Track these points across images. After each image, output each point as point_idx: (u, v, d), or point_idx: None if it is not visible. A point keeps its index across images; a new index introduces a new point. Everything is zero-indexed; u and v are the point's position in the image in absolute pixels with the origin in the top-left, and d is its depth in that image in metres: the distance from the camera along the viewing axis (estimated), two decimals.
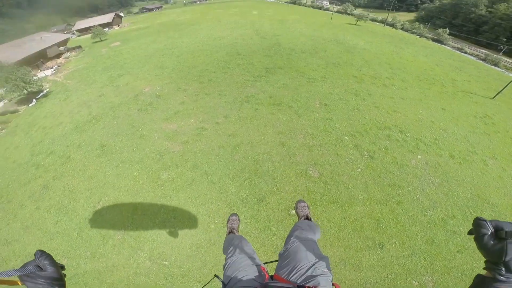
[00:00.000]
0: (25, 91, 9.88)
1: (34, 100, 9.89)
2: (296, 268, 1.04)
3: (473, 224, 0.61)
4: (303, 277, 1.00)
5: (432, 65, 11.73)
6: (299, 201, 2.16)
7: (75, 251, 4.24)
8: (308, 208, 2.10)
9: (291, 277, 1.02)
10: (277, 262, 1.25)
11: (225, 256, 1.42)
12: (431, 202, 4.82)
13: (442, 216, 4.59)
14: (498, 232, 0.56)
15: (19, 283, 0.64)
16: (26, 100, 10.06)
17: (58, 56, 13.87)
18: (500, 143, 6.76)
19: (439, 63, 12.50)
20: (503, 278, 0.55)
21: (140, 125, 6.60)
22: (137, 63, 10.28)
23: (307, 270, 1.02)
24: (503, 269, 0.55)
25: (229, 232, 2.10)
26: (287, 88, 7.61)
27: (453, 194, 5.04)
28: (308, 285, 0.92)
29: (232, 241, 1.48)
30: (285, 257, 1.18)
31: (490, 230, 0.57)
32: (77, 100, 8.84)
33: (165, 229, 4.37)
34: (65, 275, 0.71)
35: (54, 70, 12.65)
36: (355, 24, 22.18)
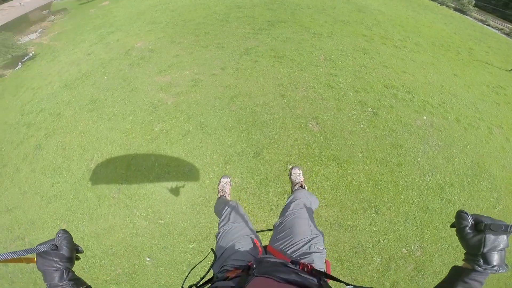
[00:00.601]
0: (9, 56, 9.60)
1: (20, 63, 9.59)
2: (291, 243, 1.03)
3: (455, 217, 0.63)
4: (298, 253, 1.00)
5: (450, 33, 10.88)
6: (293, 168, 2.10)
7: (73, 214, 4.23)
8: (302, 176, 2.03)
9: (286, 251, 1.01)
10: (271, 232, 1.24)
11: (218, 218, 1.40)
12: (431, 167, 4.67)
13: (440, 182, 4.49)
14: (478, 224, 0.58)
15: (33, 260, 0.66)
16: (11, 64, 9.74)
17: (42, 20, 13.19)
18: (509, 113, 6.49)
19: (458, 31, 11.58)
20: (481, 269, 0.57)
21: (132, 79, 6.33)
22: (128, 20, 9.66)
23: (302, 246, 1.01)
24: (481, 260, 0.57)
25: (220, 196, 2.04)
26: (290, 41, 7.12)
27: (453, 160, 4.89)
28: (302, 261, 0.91)
29: (226, 206, 1.42)
30: (280, 230, 1.16)
31: (470, 222, 0.60)
32: (65, 60, 8.47)
33: (160, 185, 4.28)
34: (78, 258, 0.73)
35: (39, 33, 12.09)
36: None
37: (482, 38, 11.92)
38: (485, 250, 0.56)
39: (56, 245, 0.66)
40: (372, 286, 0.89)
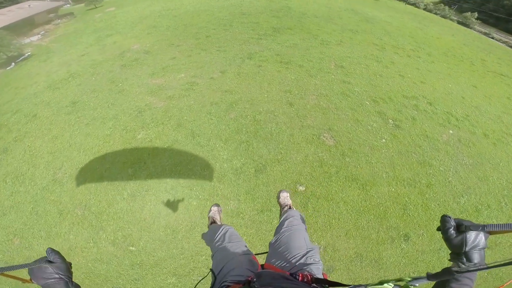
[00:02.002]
0: (3, 56, 8.97)
1: (13, 63, 8.94)
2: (288, 257, 1.00)
3: (440, 221, 0.66)
4: (295, 266, 0.96)
5: (460, 45, 10.29)
6: (281, 191, 2.05)
7: (29, 230, 3.44)
8: (290, 199, 1.99)
9: (283, 266, 0.98)
10: (267, 253, 1.19)
11: (209, 246, 1.36)
12: (465, 187, 3.90)
13: (476, 204, 3.75)
14: (459, 226, 0.62)
15: (29, 281, 0.63)
16: (5, 63, 9.08)
17: (48, 22, 12.75)
18: None
19: (467, 43, 11.03)
20: (464, 267, 0.60)
21: (121, 81, 5.50)
22: (130, 24, 9.07)
23: (299, 259, 0.98)
24: (464, 258, 0.60)
25: (211, 223, 1.93)
26: (297, 48, 6.37)
27: (487, 179, 4.09)
28: (300, 273, 0.85)
29: (219, 228, 1.35)
30: (276, 247, 1.13)
31: (453, 224, 0.62)
32: (57, 61, 7.74)
33: (134, 205, 3.41)
34: (71, 272, 0.71)
35: (41, 35, 11.58)
36: None
37: (491, 49, 11.32)
38: (467, 249, 0.59)
39: (50, 261, 0.65)
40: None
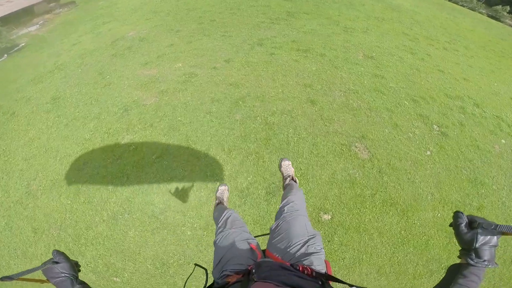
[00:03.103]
0: None
1: (5, 55, 8.09)
2: (288, 246, 0.93)
3: (453, 217, 0.64)
4: (296, 255, 0.90)
5: (496, 39, 8.74)
6: (283, 159, 1.92)
7: (5, 247, 2.91)
8: (292, 167, 1.88)
9: (284, 255, 0.92)
10: (268, 236, 1.13)
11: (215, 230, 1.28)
12: None
13: None
14: (472, 223, 0.60)
15: (47, 281, 0.67)
16: None
17: (48, 12, 11.80)
18: None
19: (504, 37, 9.42)
20: (473, 263, 0.58)
21: (109, 72, 4.52)
22: (130, 10, 8.01)
23: (300, 248, 0.91)
24: (474, 254, 0.58)
25: (218, 203, 1.78)
26: (316, 34, 5.18)
27: None
28: (301, 264, 0.82)
29: (223, 213, 1.30)
30: (277, 233, 1.05)
31: (465, 220, 0.61)
32: (48, 51, 6.83)
33: (116, 229, 2.70)
34: (79, 270, 0.76)
35: (39, 25, 10.64)
36: None
37: None
38: (477, 245, 0.57)
39: (56, 262, 0.69)
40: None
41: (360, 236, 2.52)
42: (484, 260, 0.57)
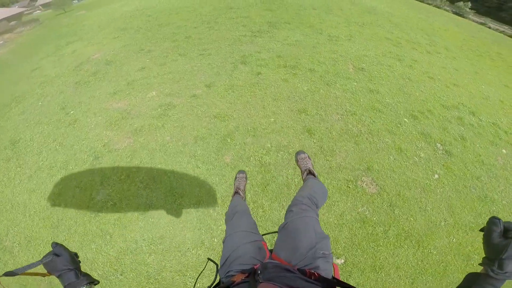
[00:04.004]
0: None
1: None
2: (296, 248, 0.86)
3: (487, 222, 0.58)
4: (303, 259, 0.82)
5: (469, 37, 8.83)
6: (298, 152, 1.81)
7: None
8: (309, 158, 1.76)
9: (290, 258, 0.84)
10: (276, 237, 1.04)
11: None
12: None
13: None
14: (508, 231, 0.53)
15: (49, 274, 0.65)
16: None
17: (9, 31, 10.35)
18: None
19: (474, 35, 9.58)
20: (493, 274, 0.54)
21: (73, 106, 3.73)
22: (96, 28, 7.05)
23: (307, 252, 0.83)
24: (496, 265, 0.53)
25: (235, 193, 1.71)
26: (302, 46, 4.69)
27: None
28: (308, 268, 0.76)
29: (235, 210, 1.24)
30: (284, 233, 0.97)
31: (500, 228, 0.55)
32: (5, 77, 5.78)
33: None
34: (79, 261, 0.71)
35: None
36: None
37: (497, 40, 9.96)
38: (504, 256, 0.52)
39: (57, 254, 0.67)
40: None
41: (376, 275, 2.14)
42: (506, 272, 0.52)
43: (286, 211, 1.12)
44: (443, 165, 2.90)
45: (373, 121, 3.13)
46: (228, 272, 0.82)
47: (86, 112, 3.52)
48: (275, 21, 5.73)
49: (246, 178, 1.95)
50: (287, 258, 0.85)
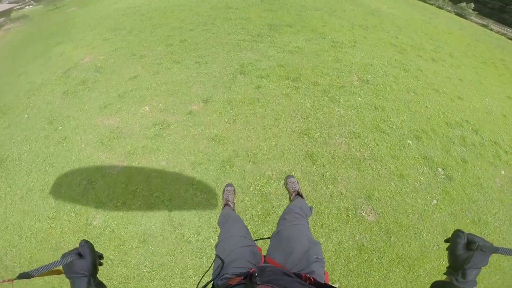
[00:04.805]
0: None
1: None
2: (290, 253, 0.86)
3: (452, 234, 0.60)
4: (298, 264, 0.83)
5: (473, 41, 8.48)
6: (289, 176, 1.90)
7: None
8: (298, 183, 1.83)
9: (285, 263, 0.84)
10: (269, 242, 1.05)
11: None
12: None
13: None
14: (471, 244, 0.56)
15: (61, 270, 0.60)
16: None
17: None
18: None
19: (478, 38, 9.23)
20: (457, 283, 0.56)
21: (61, 120, 3.44)
22: (87, 27, 6.55)
23: (301, 256, 0.84)
24: (460, 275, 0.56)
25: (225, 205, 1.76)
26: (304, 53, 4.39)
27: None
28: (303, 272, 0.77)
29: (227, 218, 1.26)
30: (278, 239, 0.98)
31: (464, 240, 0.57)
32: None
33: None
34: (101, 264, 0.68)
35: None
36: None
37: (501, 45, 9.64)
38: (467, 266, 0.55)
39: (80, 254, 0.60)
40: None
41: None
42: (468, 281, 0.55)
43: (279, 219, 1.13)
44: (442, 190, 2.82)
45: (377, 145, 2.94)
46: (223, 275, 0.80)
47: (76, 129, 3.25)
48: (276, 24, 5.36)
49: (234, 190, 1.97)
50: (282, 262, 0.85)
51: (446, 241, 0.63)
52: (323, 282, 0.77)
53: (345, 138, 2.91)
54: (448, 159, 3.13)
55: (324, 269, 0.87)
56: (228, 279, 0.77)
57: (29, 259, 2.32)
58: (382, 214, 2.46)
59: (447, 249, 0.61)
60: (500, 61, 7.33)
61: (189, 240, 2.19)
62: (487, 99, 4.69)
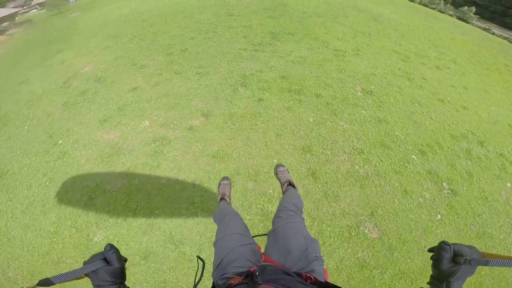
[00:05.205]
0: None
1: None
2: (288, 252, 0.85)
3: (437, 247, 0.58)
4: (297, 263, 0.81)
5: (475, 46, 8.37)
6: (278, 165, 1.87)
7: None
8: (288, 172, 1.81)
9: (284, 262, 0.83)
10: (266, 238, 1.04)
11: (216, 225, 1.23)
12: None
13: None
14: (457, 257, 0.53)
15: (83, 276, 0.55)
16: None
17: (1, 33, 9.64)
18: None
19: (481, 43, 9.11)
20: None
21: (61, 134, 3.40)
22: (89, 33, 6.54)
23: (300, 255, 0.83)
24: (445, 287, 0.54)
25: (221, 199, 1.70)
26: (307, 63, 4.32)
27: None
28: (303, 271, 0.76)
29: (224, 214, 1.21)
30: (275, 237, 0.96)
31: (450, 254, 0.55)
32: None
33: None
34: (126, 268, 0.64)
35: None
36: None
37: (504, 49, 9.47)
38: (453, 279, 0.53)
39: (106, 259, 0.57)
40: None
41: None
42: None
43: (274, 217, 1.12)
44: (447, 204, 2.76)
45: (381, 161, 2.86)
46: (223, 275, 0.79)
47: (75, 144, 3.20)
48: (278, 32, 5.29)
49: (230, 184, 1.94)
50: (281, 261, 0.84)
51: (430, 250, 0.60)
52: (324, 280, 0.76)
53: (348, 154, 2.84)
54: (453, 173, 3.06)
55: (324, 267, 0.86)
56: (229, 279, 0.75)
57: (31, 271, 2.32)
58: (385, 230, 2.41)
59: (431, 258, 0.59)
60: (504, 67, 7.20)
61: (191, 258, 2.16)
62: (492, 108, 4.59)
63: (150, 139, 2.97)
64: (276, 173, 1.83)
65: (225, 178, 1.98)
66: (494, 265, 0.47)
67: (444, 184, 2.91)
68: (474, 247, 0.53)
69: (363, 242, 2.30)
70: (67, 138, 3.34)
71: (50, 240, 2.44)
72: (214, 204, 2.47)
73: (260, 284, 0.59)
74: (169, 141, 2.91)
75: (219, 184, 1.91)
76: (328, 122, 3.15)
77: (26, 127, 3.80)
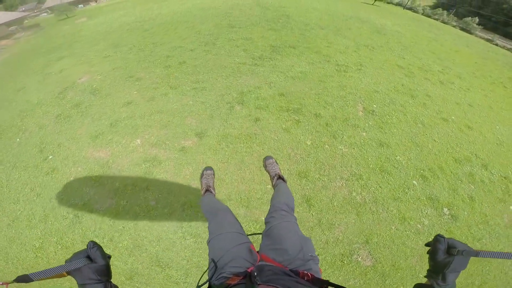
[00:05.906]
0: None
1: None
2: (284, 251, 0.85)
3: (433, 240, 0.61)
4: (294, 262, 0.82)
5: (480, 58, 8.23)
6: (267, 158, 1.84)
7: None
8: (277, 163, 1.80)
9: (281, 261, 0.83)
10: (260, 237, 1.04)
11: (206, 217, 1.21)
12: None
13: None
14: (451, 249, 0.57)
15: (65, 274, 0.53)
16: None
17: (8, 37, 9.80)
18: None
19: (485, 56, 8.98)
20: (438, 286, 0.57)
21: (51, 149, 3.32)
22: (91, 41, 6.57)
23: (297, 254, 0.84)
24: (440, 278, 0.57)
25: (206, 190, 1.63)
26: (307, 79, 4.22)
27: None
28: (301, 270, 0.76)
29: (216, 211, 1.18)
30: (269, 237, 0.96)
31: (444, 246, 0.58)
32: None
33: None
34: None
35: None
36: (373, 4, 17.54)
37: (508, 62, 9.31)
38: (447, 270, 0.57)
39: (89, 257, 0.55)
40: None
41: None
42: (447, 284, 0.57)
43: (267, 217, 1.11)
44: (446, 230, 2.63)
45: (380, 187, 2.72)
46: (220, 275, 0.78)
47: (65, 160, 3.12)
48: (278, 45, 5.22)
49: (213, 174, 1.90)
50: (278, 259, 0.83)
51: (427, 245, 0.64)
52: (321, 278, 0.76)
53: (346, 180, 2.69)
54: (455, 198, 2.91)
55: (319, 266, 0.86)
56: (226, 279, 0.75)
57: (18, 285, 2.21)
58: (379, 258, 2.29)
59: (427, 253, 0.62)
60: (509, 80, 7.03)
61: (177, 282, 2.06)
62: (497, 127, 4.43)
63: (141, 159, 2.86)
64: (265, 166, 1.83)
65: (208, 168, 1.91)
66: (484, 256, 0.50)
67: (445, 209, 2.77)
68: (467, 244, 0.56)
69: (355, 270, 2.19)
70: (58, 153, 3.26)
71: (35, 255, 2.37)
72: (204, 229, 2.36)
73: (259, 284, 0.59)
74: (160, 162, 2.80)
75: (202, 175, 1.84)
76: (326, 146, 3.02)
77: (18, 139, 3.74)
